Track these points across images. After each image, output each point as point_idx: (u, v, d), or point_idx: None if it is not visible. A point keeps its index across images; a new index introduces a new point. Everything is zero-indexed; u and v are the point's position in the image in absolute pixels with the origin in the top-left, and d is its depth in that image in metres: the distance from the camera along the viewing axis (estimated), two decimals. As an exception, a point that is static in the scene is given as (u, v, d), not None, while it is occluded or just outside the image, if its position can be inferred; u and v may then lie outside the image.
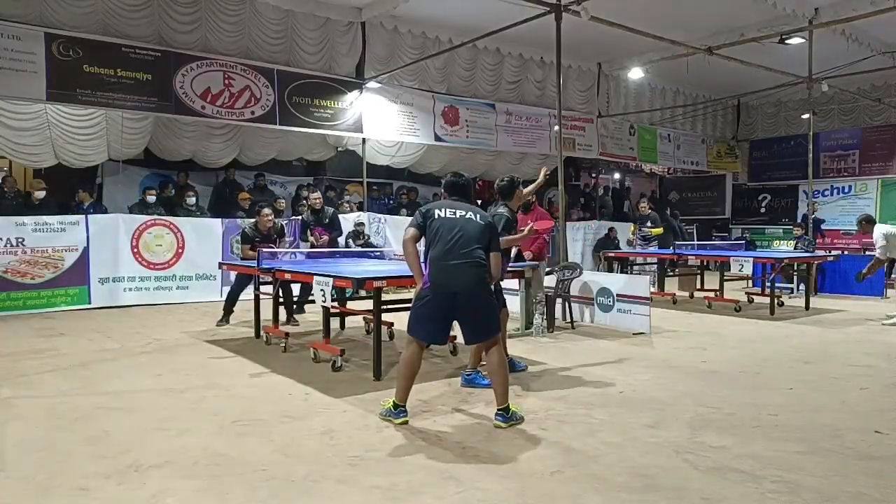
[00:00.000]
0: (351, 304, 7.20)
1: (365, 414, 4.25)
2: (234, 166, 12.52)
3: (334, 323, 7.16)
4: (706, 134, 17.97)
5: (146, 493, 3.04)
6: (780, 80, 12.75)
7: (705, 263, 11.64)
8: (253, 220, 8.23)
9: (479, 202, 11.64)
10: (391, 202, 15.04)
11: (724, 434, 3.86)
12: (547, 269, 7.55)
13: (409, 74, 12.16)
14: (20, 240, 8.69)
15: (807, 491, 3.05)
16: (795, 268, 11.38)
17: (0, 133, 9.43)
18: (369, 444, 3.69)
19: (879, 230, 8.47)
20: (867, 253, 8.83)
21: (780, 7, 10.53)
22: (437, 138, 12.67)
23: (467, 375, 4.99)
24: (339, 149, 13.09)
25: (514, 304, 6.94)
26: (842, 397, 4.73)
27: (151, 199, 10.27)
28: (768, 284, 9.50)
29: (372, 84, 11.65)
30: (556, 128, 9.94)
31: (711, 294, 10.13)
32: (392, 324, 6.81)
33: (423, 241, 4.13)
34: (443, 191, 4.45)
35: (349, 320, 7.61)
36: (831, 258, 11.40)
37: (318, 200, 8.73)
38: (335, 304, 6.26)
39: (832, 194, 16.98)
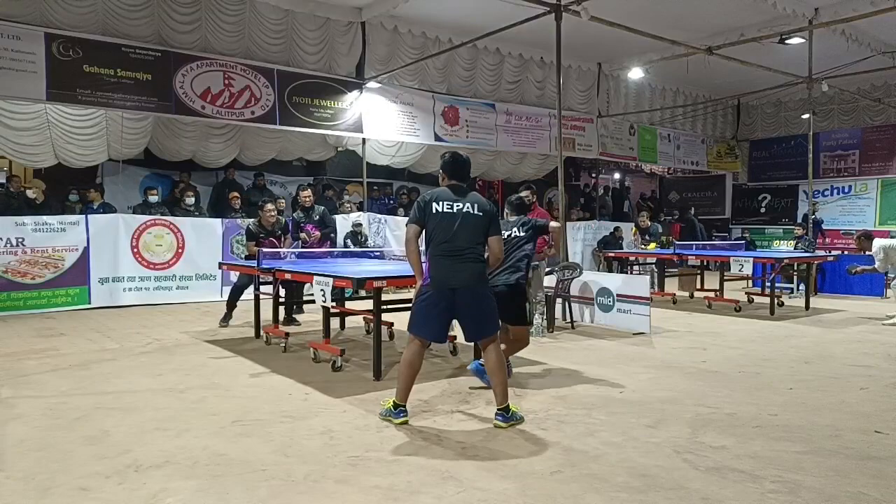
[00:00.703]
0: (351, 304, 7.20)
1: (365, 414, 4.25)
2: (234, 166, 12.54)
3: (334, 323, 7.16)
4: (706, 134, 17.97)
5: (146, 493, 3.04)
6: (780, 80, 12.75)
7: (705, 263, 11.64)
8: (255, 218, 8.24)
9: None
10: (391, 202, 15.04)
11: (724, 434, 3.86)
12: (547, 269, 7.55)
13: (409, 74, 12.16)
14: (20, 240, 8.70)
15: (807, 491, 3.05)
16: (795, 268, 11.39)
17: (0, 133, 9.43)
18: (369, 444, 3.69)
19: (878, 244, 8.46)
20: (867, 253, 8.81)
21: (780, 7, 10.52)
22: (438, 138, 12.66)
23: (480, 365, 4.84)
24: (339, 149, 13.09)
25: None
26: (842, 397, 4.73)
27: (154, 199, 10.31)
28: (768, 284, 9.51)
29: (372, 84, 11.65)
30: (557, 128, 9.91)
31: (711, 294, 10.14)
32: (392, 324, 6.82)
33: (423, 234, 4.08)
34: (441, 171, 4.26)
35: (349, 320, 7.62)
36: (831, 258, 11.40)
37: (307, 199, 8.65)
38: (335, 304, 6.26)
39: (832, 194, 16.97)
